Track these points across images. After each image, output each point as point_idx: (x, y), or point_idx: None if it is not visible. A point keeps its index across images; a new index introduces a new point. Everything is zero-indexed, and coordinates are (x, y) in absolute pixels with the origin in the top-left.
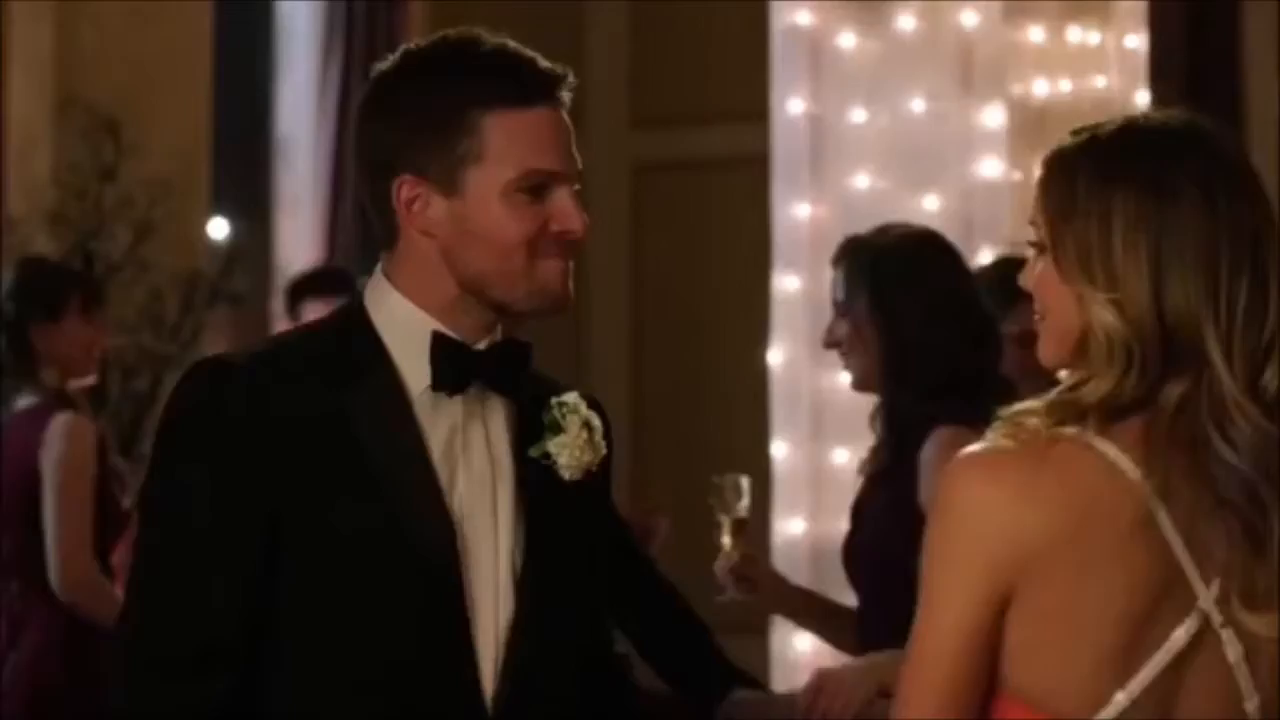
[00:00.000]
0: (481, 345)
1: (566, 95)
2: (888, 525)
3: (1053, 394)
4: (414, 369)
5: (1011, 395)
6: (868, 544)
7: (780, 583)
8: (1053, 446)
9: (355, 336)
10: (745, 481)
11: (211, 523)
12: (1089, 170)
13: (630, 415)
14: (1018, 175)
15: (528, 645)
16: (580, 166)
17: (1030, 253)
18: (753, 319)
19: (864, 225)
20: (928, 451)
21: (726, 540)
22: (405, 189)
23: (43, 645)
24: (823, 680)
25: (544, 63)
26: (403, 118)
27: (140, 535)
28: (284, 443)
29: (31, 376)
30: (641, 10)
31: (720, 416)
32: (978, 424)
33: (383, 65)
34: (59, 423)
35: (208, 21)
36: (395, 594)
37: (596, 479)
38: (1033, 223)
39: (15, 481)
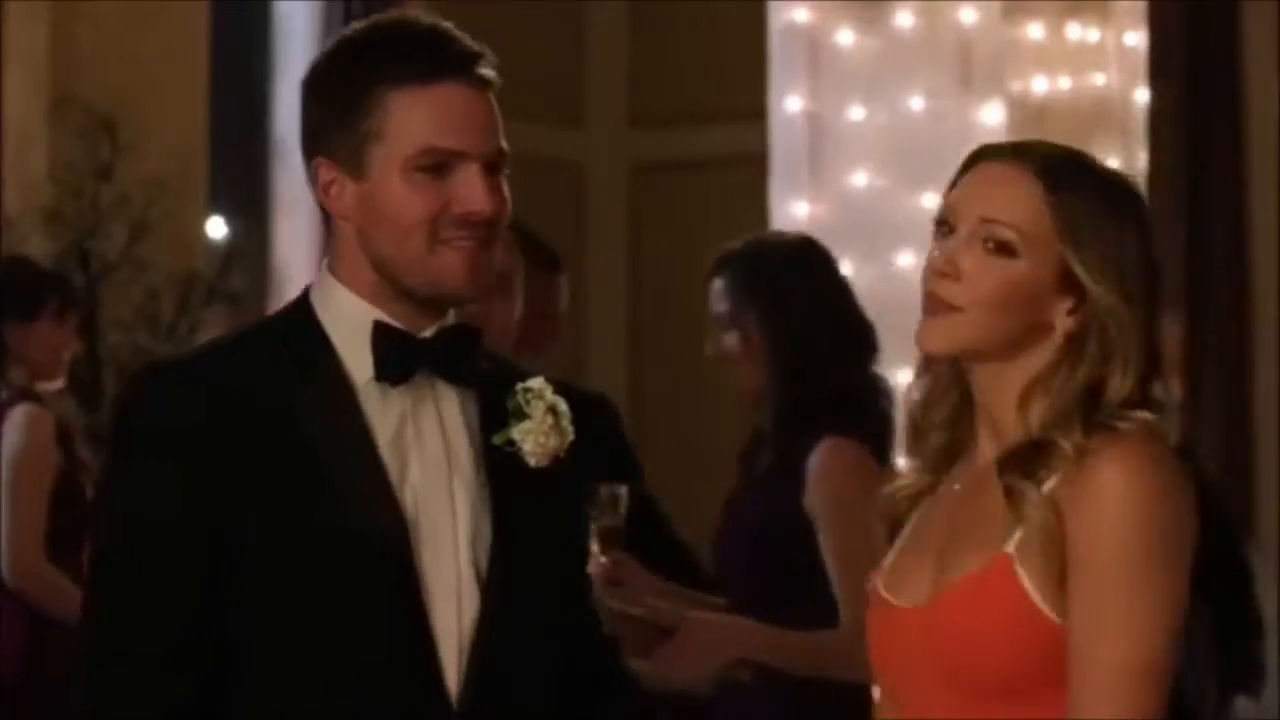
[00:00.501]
0: (427, 333)
1: (486, 72)
2: (764, 528)
3: (1072, 399)
4: (358, 360)
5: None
6: (743, 544)
7: (651, 584)
8: (1167, 444)
9: (300, 331)
10: (624, 490)
11: (161, 528)
12: (1094, 200)
13: (629, 415)
14: None
15: (494, 640)
16: (501, 146)
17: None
18: None
19: (863, 223)
20: (814, 461)
21: (595, 547)
22: (323, 172)
23: (3, 638)
24: (684, 639)
25: (462, 40)
26: (320, 101)
27: (94, 538)
28: (231, 443)
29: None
30: (640, 10)
31: (719, 416)
32: (863, 434)
33: (323, 48)
34: (17, 413)
35: (205, 20)
36: (351, 590)
37: (566, 464)
38: (996, 220)
39: None
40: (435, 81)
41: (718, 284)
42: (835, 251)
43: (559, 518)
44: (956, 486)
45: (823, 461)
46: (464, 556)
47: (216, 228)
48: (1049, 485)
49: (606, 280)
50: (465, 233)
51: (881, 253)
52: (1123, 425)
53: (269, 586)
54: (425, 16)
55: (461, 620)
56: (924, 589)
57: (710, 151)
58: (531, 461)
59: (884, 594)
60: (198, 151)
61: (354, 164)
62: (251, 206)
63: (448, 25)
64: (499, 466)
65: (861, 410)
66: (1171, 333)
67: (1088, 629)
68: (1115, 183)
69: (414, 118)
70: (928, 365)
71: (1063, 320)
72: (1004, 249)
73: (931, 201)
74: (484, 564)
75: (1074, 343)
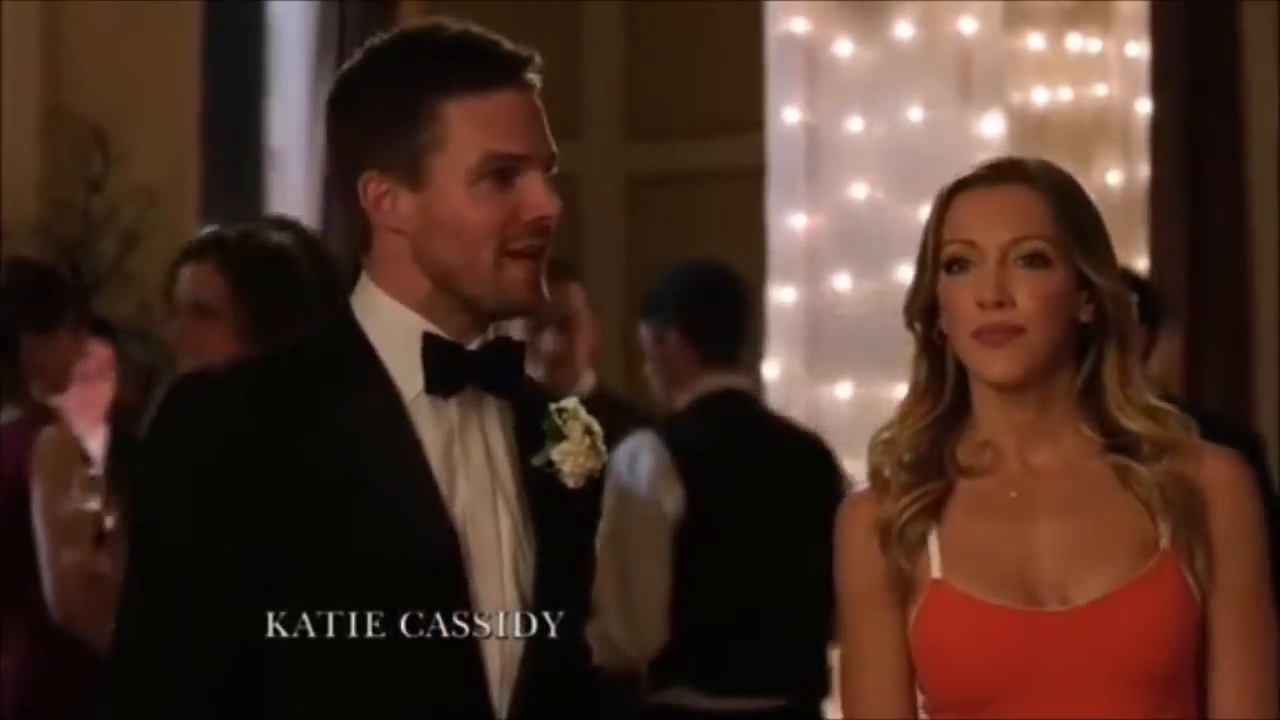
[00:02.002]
0: (474, 345)
1: (534, 77)
2: None
3: (1137, 388)
4: (406, 373)
5: None
6: None
7: None
8: None
9: (345, 344)
10: None
11: (201, 550)
12: (1081, 201)
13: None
14: None
15: (539, 662)
16: (554, 149)
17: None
18: None
19: (861, 235)
20: None
21: None
22: (372, 186)
23: (22, 661)
24: None
25: (506, 45)
26: (364, 112)
27: (130, 561)
28: (275, 460)
29: (16, 389)
30: (636, 22)
31: None
32: None
33: (348, 63)
34: (46, 437)
35: (196, 30)
36: (401, 605)
37: (596, 486)
38: (1025, 237)
39: (4, 495)
40: (493, 88)
41: (192, 270)
42: (833, 263)
43: (589, 537)
44: (1013, 494)
45: None
46: (508, 576)
47: None
48: (1167, 468)
49: (602, 293)
50: (537, 241)
51: (880, 265)
52: (1167, 406)
53: (315, 601)
54: (453, 23)
55: (505, 640)
56: (1064, 593)
57: (707, 164)
58: (570, 483)
59: (1002, 601)
60: (189, 162)
61: (412, 175)
62: (244, 218)
63: (481, 30)
64: (538, 487)
65: None
66: (1171, 342)
67: (1246, 619)
68: (1076, 180)
69: (475, 125)
70: (921, 397)
71: (1084, 312)
72: (1041, 261)
73: None
74: (527, 584)
75: (1098, 332)
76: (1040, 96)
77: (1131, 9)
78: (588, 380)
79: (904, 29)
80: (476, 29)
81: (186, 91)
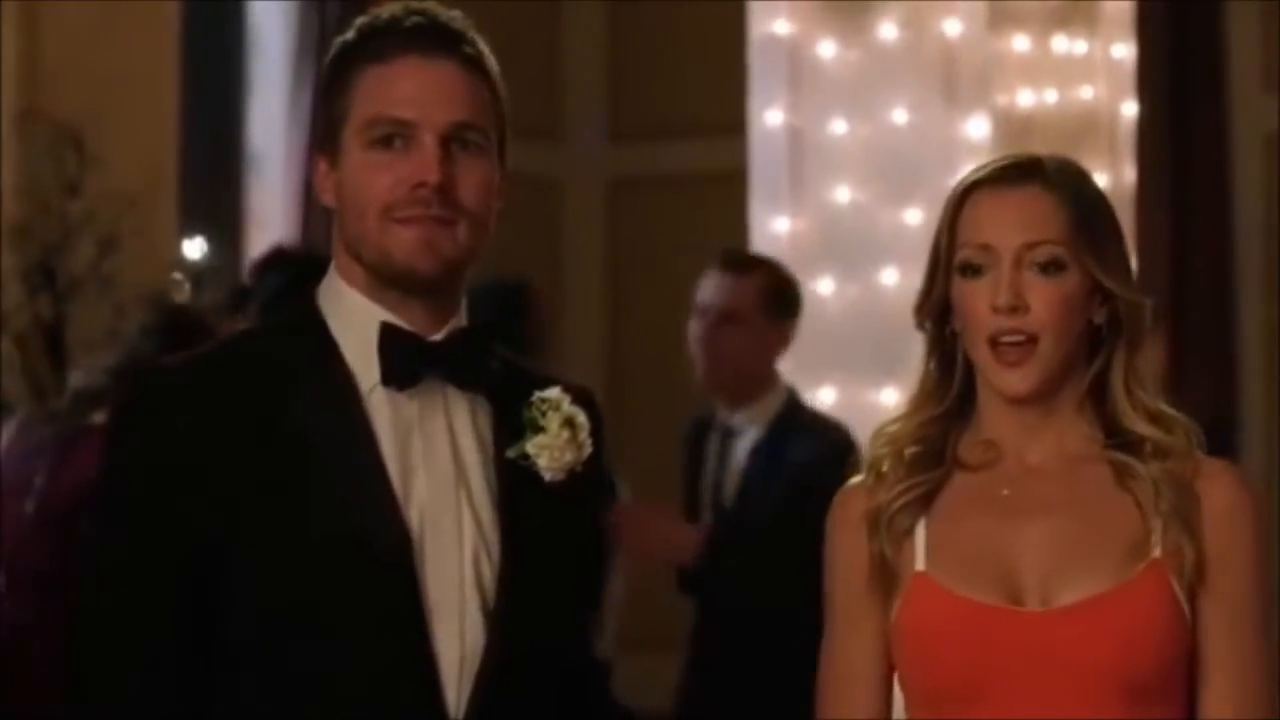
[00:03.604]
0: (438, 335)
1: (465, 49)
2: None
3: (1140, 390)
4: (365, 364)
5: None
6: None
7: None
8: None
9: (305, 334)
10: None
11: (151, 542)
12: (1098, 205)
13: (607, 431)
14: None
15: (497, 665)
16: (465, 119)
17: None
18: None
19: (845, 239)
20: None
21: None
22: (320, 169)
23: None
24: None
25: (428, 18)
26: (318, 102)
27: (84, 544)
28: (224, 451)
29: None
30: (618, 24)
31: None
32: None
33: None
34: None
35: (175, 31)
36: (349, 605)
37: (582, 478)
38: (1041, 242)
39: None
40: (393, 56)
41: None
42: (817, 267)
43: (571, 534)
44: (1006, 492)
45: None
46: (468, 576)
47: (193, 247)
48: (1166, 469)
49: (583, 296)
50: (417, 209)
51: (864, 269)
52: (1172, 411)
53: (265, 598)
54: (417, 4)
55: (464, 642)
56: (1047, 594)
57: (690, 167)
58: (546, 476)
59: (981, 598)
60: (167, 165)
61: (334, 152)
62: (224, 221)
63: (431, 9)
64: (511, 480)
65: None
66: (1155, 346)
67: (1236, 628)
68: (1093, 181)
69: (371, 92)
70: (929, 395)
71: (1097, 314)
72: (1055, 266)
73: (915, 217)
74: (489, 584)
75: (1109, 334)
76: (1025, 98)
77: (1117, 10)
78: (779, 396)
79: (888, 30)
80: (421, 5)
81: (165, 94)
